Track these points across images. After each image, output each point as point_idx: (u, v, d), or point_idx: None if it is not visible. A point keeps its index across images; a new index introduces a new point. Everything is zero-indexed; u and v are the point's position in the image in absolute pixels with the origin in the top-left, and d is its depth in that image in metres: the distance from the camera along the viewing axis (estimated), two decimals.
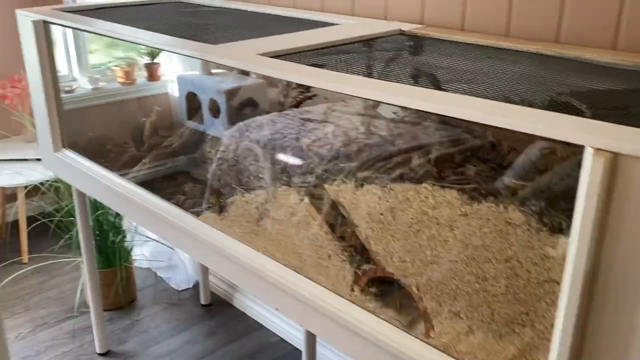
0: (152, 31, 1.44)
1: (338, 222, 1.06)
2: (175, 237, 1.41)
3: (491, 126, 0.77)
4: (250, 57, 1.16)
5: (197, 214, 1.38)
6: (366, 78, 1.01)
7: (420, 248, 0.92)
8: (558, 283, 0.77)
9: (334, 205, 1.05)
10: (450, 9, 1.48)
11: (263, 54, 1.18)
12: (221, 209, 1.30)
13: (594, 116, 0.91)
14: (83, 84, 3.11)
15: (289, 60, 1.19)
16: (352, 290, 1.05)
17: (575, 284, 0.71)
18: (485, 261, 0.84)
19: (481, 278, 0.86)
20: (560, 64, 1.22)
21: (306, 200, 1.09)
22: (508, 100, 1.03)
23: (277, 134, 1.47)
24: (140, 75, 2.51)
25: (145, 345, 2.27)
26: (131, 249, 2.48)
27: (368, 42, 1.39)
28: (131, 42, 1.43)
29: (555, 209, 0.79)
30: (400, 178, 0.93)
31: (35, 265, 2.70)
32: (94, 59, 3.37)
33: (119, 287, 2.40)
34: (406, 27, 1.49)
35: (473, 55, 1.28)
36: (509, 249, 0.81)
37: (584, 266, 0.70)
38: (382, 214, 0.96)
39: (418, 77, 1.23)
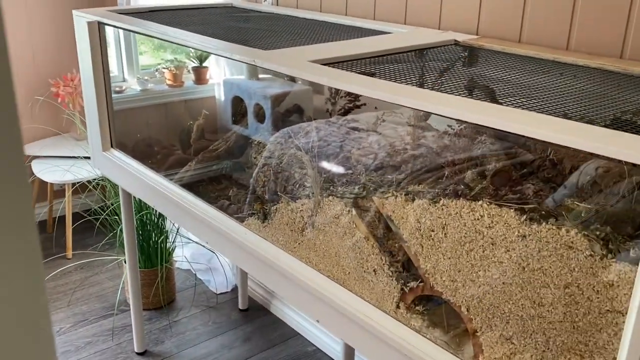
0: (203, 35, 1.44)
1: (385, 236, 1.03)
2: (217, 241, 1.40)
3: (550, 143, 0.73)
4: (302, 63, 1.15)
5: (240, 220, 1.36)
6: (417, 88, 0.98)
7: (473, 268, 0.88)
8: (623, 314, 0.73)
9: (382, 219, 1.02)
10: (507, 20, 1.43)
11: (314, 61, 1.16)
12: (265, 216, 1.28)
13: None
14: (132, 85, 3.17)
15: (340, 68, 1.17)
16: (398, 307, 1.02)
17: None
18: (542, 286, 0.80)
19: (537, 303, 0.81)
20: (625, 80, 1.16)
21: (353, 211, 1.06)
22: (567, 116, 0.98)
23: (322, 142, 1.45)
24: (188, 78, 2.53)
25: (181, 347, 2.28)
26: (172, 250, 2.50)
27: (421, 52, 1.36)
28: (182, 45, 1.44)
29: (621, 233, 0.75)
30: (455, 194, 0.90)
31: (79, 262, 2.75)
32: (144, 60, 3.43)
33: (159, 287, 2.42)
34: (461, 37, 1.45)
35: (530, 68, 1.23)
36: (570, 275, 0.77)
37: None
38: (433, 230, 0.93)
39: (472, 89, 1.19)
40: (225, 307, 2.52)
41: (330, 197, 1.11)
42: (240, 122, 1.82)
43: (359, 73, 1.10)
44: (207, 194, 1.62)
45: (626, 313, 0.71)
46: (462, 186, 0.90)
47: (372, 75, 1.15)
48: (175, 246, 2.55)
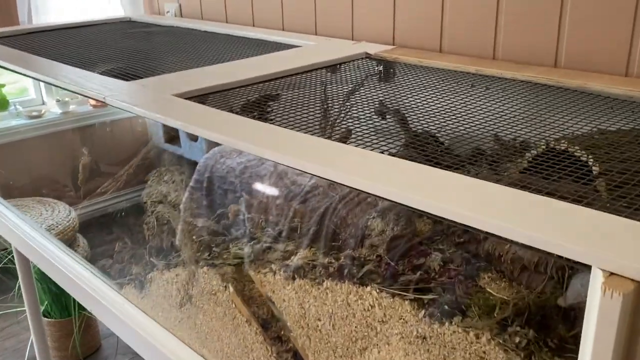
0: (95, 58, 1.20)
1: (270, 320, 0.81)
2: (97, 308, 1.16)
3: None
4: (161, 99, 0.92)
5: (121, 286, 1.13)
6: (296, 133, 0.76)
7: None
8: None
9: (265, 299, 0.80)
10: (425, 28, 1.23)
11: (180, 95, 0.93)
12: (142, 285, 1.05)
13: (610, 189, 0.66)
14: (52, 108, 2.88)
15: (212, 101, 0.94)
16: None
17: None
18: None
19: None
20: (560, 96, 0.96)
21: (230, 288, 0.83)
22: (479, 154, 0.78)
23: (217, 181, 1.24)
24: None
25: None
26: None
27: (324, 70, 1.14)
28: (41, 80, 1.19)
29: (550, 338, 0.54)
30: (340, 274, 0.68)
31: None
32: None
33: (76, 339, 2.16)
34: (374, 48, 1.24)
35: (448, 86, 1.03)
36: None
37: None
38: (320, 320, 0.71)
39: (379, 116, 0.98)
40: None
41: (205, 268, 0.88)
42: (173, 141, 1.58)
43: (228, 109, 0.88)
44: (94, 246, 1.38)
45: None
46: (350, 262, 0.68)
47: (249, 111, 0.93)
48: None
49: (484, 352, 0.55)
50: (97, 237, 1.56)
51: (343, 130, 0.98)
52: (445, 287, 0.61)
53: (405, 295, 0.61)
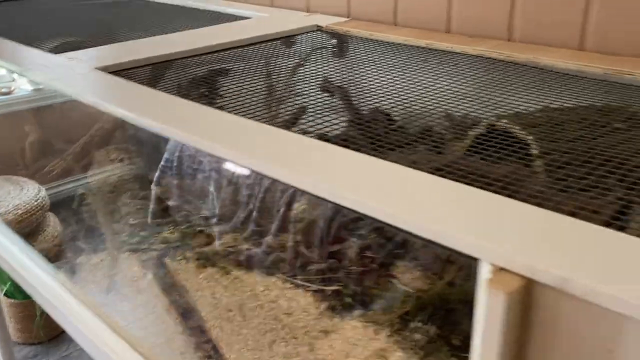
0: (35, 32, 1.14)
1: (189, 310, 0.76)
2: (31, 290, 1.11)
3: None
4: (77, 73, 0.86)
5: (58, 269, 1.08)
6: (213, 110, 0.71)
7: None
8: None
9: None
10: (381, 0, 1.16)
11: (104, 68, 0.87)
12: (73, 269, 1.00)
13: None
14: (22, 85, 2.80)
15: (138, 76, 0.88)
16: None
17: None
18: None
19: None
20: (511, 71, 0.91)
21: (149, 275, 0.79)
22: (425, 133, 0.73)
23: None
24: None
25: None
26: None
27: (269, 43, 1.08)
28: None
29: (456, 334, 0.49)
30: (248, 263, 0.63)
31: None
32: None
33: (40, 320, 2.12)
34: (327, 21, 1.18)
35: (396, 61, 0.97)
36: None
37: None
38: (231, 310, 0.66)
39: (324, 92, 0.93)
40: None
41: (127, 254, 0.83)
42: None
43: (155, 83, 0.82)
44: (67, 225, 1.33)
45: None
46: (260, 252, 0.63)
47: (167, 84, 0.87)
48: None
49: (382, 350, 0.50)
50: (70, 217, 1.50)
51: (297, 108, 0.93)
52: (354, 277, 0.56)
53: (308, 287, 0.56)
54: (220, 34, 1.10)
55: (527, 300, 0.37)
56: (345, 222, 0.61)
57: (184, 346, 0.77)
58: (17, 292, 2.08)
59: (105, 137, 1.45)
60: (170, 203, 1.11)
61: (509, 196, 0.47)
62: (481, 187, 0.48)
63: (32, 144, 1.46)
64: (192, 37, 1.10)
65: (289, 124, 0.93)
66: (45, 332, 2.17)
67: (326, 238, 0.61)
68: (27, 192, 1.79)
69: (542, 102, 0.80)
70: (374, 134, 0.64)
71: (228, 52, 1.02)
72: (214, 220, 0.80)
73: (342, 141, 0.60)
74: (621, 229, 0.45)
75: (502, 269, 0.38)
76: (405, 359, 0.49)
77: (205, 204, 0.87)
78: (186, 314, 0.76)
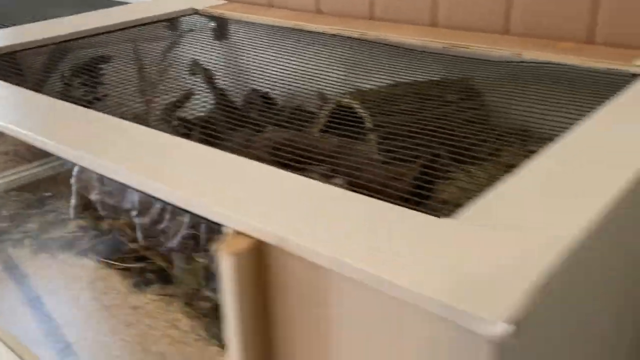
0: None
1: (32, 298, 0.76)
2: None
3: None
4: None
5: None
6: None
7: (108, 347, 0.63)
8: None
9: None
10: None
11: None
12: None
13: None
14: None
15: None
16: None
17: None
18: None
19: None
20: (369, 49, 0.93)
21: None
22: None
23: None
24: None
25: None
26: None
27: (145, 27, 1.08)
28: None
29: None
30: (74, 246, 0.64)
31: None
32: None
33: None
34: (203, 4, 1.18)
35: (265, 42, 0.98)
36: None
37: None
38: (64, 295, 0.67)
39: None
40: None
41: None
42: None
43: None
44: None
45: None
46: (82, 235, 0.64)
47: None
48: None
49: (176, 319, 0.52)
50: None
51: (184, 92, 0.93)
52: (159, 255, 0.58)
53: (118, 266, 0.57)
54: (97, 19, 1.09)
55: (259, 260, 0.39)
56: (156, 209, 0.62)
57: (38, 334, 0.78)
58: None
59: None
60: (92, 197, 1.10)
61: (294, 167, 0.49)
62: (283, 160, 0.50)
63: None
64: (65, 23, 1.09)
65: (171, 110, 0.93)
66: None
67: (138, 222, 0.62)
68: None
69: (390, 78, 0.83)
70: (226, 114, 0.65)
71: (102, 36, 1.01)
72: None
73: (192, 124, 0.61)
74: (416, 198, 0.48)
75: (238, 233, 0.40)
76: (194, 329, 0.50)
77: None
78: (32, 302, 0.76)
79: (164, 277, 0.55)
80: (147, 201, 0.55)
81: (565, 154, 0.46)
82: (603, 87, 0.64)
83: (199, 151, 0.49)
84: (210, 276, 0.51)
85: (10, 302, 0.80)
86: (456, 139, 0.65)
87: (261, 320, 0.41)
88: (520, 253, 0.34)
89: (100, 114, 0.55)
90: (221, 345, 0.49)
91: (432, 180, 0.58)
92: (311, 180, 0.44)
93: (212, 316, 0.49)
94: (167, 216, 0.52)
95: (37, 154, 1.22)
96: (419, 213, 0.38)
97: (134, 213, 0.55)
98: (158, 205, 0.52)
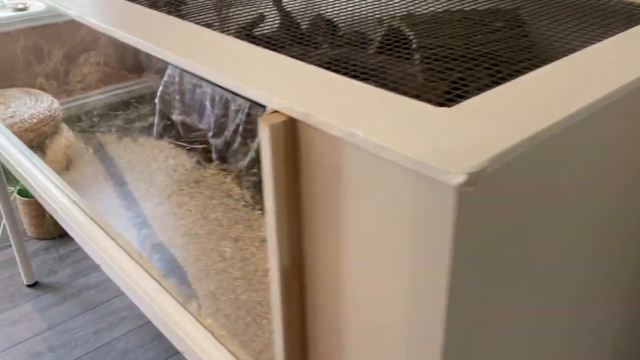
0: None
1: (120, 177, 0.91)
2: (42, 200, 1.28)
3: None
4: None
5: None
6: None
7: (175, 216, 0.76)
8: None
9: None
10: None
11: None
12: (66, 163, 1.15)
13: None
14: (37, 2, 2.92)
15: None
16: (140, 255, 0.92)
17: (275, 271, 0.55)
18: (221, 238, 0.69)
19: (222, 257, 0.70)
20: None
21: (90, 150, 0.93)
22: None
23: None
24: None
25: (75, 277, 2.23)
26: None
27: None
28: None
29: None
30: (150, 131, 0.76)
31: None
32: None
33: (49, 218, 2.33)
34: None
35: None
36: (235, 227, 0.65)
37: (277, 255, 0.54)
38: (142, 172, 0.80)
39: None
40: None
41: (73, 133, 0.98)
42: None
43: None
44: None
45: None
46: (160, 122, 0.76)
47: None
48: None
49: (229, 190, 0.64)
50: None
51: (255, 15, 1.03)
52: (220, 137, 0.69)
53: (185, 146, 0.69)
54: None
55: (291, 134, 0.49)
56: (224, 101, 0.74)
57: (120, 211, 0.93)
58: (29, 191, 2.28)
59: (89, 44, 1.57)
60: (173, 117, 1.24)
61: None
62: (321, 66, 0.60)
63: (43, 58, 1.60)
64: None
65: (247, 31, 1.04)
66: (56, 229, 2.40)
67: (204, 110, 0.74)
68: (41, 104, 1.95)
69: (444, 6, 0.89)
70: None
71: None
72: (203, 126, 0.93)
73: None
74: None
75: (275, 112, 0.50)
76: (243, 196, 0.62)
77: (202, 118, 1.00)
78: (118, 181, 0.91)
79: (222, 157, 0.66)
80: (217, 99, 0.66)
81: (573, 65, 0.53)
82: None
83: (259, 53, 0.59)
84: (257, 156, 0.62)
85: (98, 181, 0.96)
86: (495, 61, 0.72)
87: (292, 184, 0.52)
88: (490, 134, 0.42)
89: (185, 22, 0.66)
90: (262, 209, 0.60)
91: (462, 95, 0.65)
92: (338, 75, 0.53)
93: (257, 187, 0.61)
94: (227, 108, 0.63)
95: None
96: (422, 102, 0.47)
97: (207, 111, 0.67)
98: (221, 100, 0.64)
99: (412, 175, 0.40)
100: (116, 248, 0.97)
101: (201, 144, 0.69)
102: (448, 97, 0.66)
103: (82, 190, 1.03)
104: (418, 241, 0.41)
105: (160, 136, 1.19)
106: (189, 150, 0.68)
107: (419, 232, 0.41)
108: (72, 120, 1.05)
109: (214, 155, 0.66)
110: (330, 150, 0.47)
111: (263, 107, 0.52)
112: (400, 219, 0.42)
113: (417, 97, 0.63)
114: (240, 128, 0.63)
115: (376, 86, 0.62)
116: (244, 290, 0.68)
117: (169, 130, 1.22)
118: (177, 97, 1.31)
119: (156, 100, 1.34)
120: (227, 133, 0.65)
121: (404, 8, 0.87)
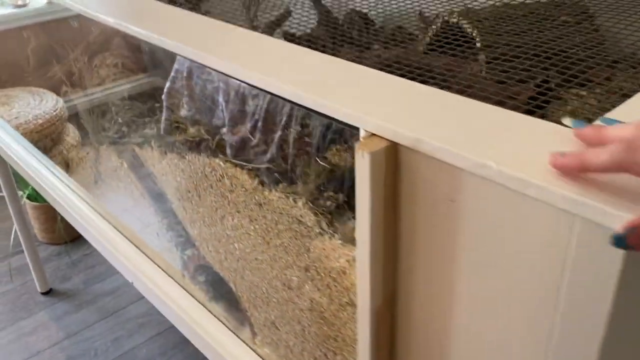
0: None
1: (162, 195, 0.84)
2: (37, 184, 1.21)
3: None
4: None
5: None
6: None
7: (228, 239, 0.70)
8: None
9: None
10: None
11: None
12: (67, 164, 1.09)
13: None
14: None
15: None
16: (183, 276, 0.85)
17: (365, 310, 0.49)
18: (287, 266, 0.63)
19: (287, 286, 0.64)
20: None
21: (124, 164, 0.86)
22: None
23: None
24: None
25: (89, 283, 2.17)
26: None
27: None
28: None
29: (347, 209, 0.56)
30: (197, 146, 0.70)
31: None
32: None
33: (61, 222, 2.27)
34: None
35: None
36: (307, 255, 0.59)
37: (369, 290, 0.48)
38: (189, 191, 0.74)
39: None
40: None
41: (106, 145, 0.91)
42: None
43: None
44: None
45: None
46: (208, 138, 0.70)
47: None
48: None
49: (301, 216, 0.57)
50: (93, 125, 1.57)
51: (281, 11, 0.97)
52: (284, 157, 0.63)
53: (244, 166, 0.63)
54: None
55: (393, 160, 0.43)
56: (284, 112, 0.67)
57: (158, 229, 0.86)
58: (39, 196, 2.21)
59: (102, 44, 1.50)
60: (182, 113, 1.17)
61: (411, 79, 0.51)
62: (397, 74, 0.53)
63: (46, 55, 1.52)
64: None
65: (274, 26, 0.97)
66: (67, 233, 2.33)
67: (266, 125, 0.67)
68: (46, 103, 1.87)
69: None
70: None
71: None
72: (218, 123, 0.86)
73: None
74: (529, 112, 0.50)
75: (372, 135, 0.43)
76: (318, 223, 0.56)
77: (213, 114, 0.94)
78: (157, 197, 0.84)
79: (288, 177, 0.60)
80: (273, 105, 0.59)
81: None
82: None
83: (319, 60, 0.52)
84: (332, 177, 0.56)
85: (134, 198, 0.89)
86: (568, 61, 0.66)
87: (390, 215, 0.45)
88: None
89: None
90: (345, 239, 0.54)
91: (547, 100, 0.59)
92: (433, 88, 0.47)
93: (335, 213, 0.54)
94: (294, 122, 0.56)
95: (142, 67, 1.29)
96: (541, 120, 0.41)
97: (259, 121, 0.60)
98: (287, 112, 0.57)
99: (567, 217, 0.34)
100: (152, 266, 0.91)
101: (267, 162, 0.62)
102: (535, 103, 0.59)
103: (111, 204, 0.96)
104: (572, 296, 0.35)
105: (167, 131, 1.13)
106: (250, 170, 0.62)
107: (572, 285, 0.35)
108: (97, 129, 0.98)
109: (279, 176, 0.59)
110: (444, 181, 0.41)
111: (340, 124, 0.46)
112: (546, 266, 0.36)
113: (500, 104, 0.57)
114: (313, 148, 0.56)
115: (465, 96, 0.55)
116: (313, 322, 0.62)
117: (176, 128, 1.15)
118: (186, 92, 1.25)
119: (163, 97, 1.27)
120: (296, 152, 0.58)
121: (437, 2, 0.80)
